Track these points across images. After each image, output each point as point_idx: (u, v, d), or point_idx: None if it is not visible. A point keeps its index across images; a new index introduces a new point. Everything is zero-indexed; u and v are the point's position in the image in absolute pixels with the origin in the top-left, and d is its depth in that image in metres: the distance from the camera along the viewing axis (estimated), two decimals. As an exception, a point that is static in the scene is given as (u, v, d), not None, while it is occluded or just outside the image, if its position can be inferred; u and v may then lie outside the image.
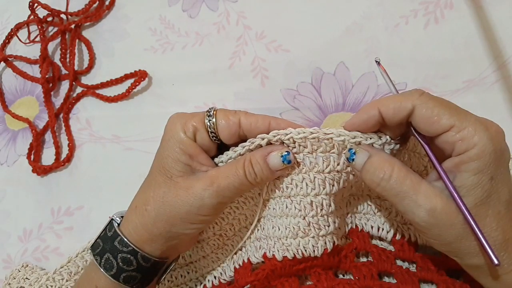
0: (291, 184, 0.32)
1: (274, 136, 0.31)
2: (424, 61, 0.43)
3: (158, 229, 0.32)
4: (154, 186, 0.33)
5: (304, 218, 0.32)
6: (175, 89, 0.51)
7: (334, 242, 0.33)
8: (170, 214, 0.32)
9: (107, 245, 0.33)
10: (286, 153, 0.31)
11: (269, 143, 0.32)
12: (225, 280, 0.38)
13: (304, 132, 0.31)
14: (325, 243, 0.32)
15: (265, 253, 0.34)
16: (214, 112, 0.32)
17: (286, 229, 0.33)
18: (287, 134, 0.31)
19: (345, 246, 0.36)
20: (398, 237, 0.35)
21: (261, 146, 0.32)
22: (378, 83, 0.44)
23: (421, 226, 0.27)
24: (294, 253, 0.32)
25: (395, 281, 0.34)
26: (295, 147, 0.31)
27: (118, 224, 0.33)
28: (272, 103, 0.47)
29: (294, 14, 0.49)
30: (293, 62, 0.48)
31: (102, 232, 0.34)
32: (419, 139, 0.29)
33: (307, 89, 0.46)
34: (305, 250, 0.32)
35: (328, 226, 0.32)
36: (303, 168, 0.32)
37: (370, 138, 0.30)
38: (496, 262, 0.25)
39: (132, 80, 0.53)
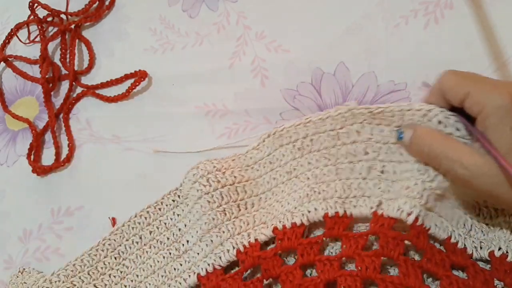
0: (297, 165, 0.41)
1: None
2: (424, 61, 0.43)
3: None
4: None
5: (308, 186, 0.39)
6: (175, 89, 0.51)
7: (336, 211, 0.37)
8: None
9: None
10: None
11: None
12: (220, 266, 0.39)
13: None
14: (326, 207, 0.37)
15: (275, 227, 0.38)
16: None
17: (294, 200, 0.39)
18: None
19: (362, 232, 0.36)
20: (419, 222, 0.34)
21: None
22: (378, 83, 0.44)
23: (465, 181, 0.31)
24: (300, 218, 0.38)
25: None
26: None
27: None
28: (272, 103, 0.47)
29: (294, 14, 0.49)
30: (293, 62, 0.48)
31: None
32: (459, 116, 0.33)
33: (307, 89, 0.46)
34: (309, 212, 0.38)
35: (326, 191, 0.38)
36: (303, 152, 0.40)
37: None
38: None
39: (132, 80, 0.53)
